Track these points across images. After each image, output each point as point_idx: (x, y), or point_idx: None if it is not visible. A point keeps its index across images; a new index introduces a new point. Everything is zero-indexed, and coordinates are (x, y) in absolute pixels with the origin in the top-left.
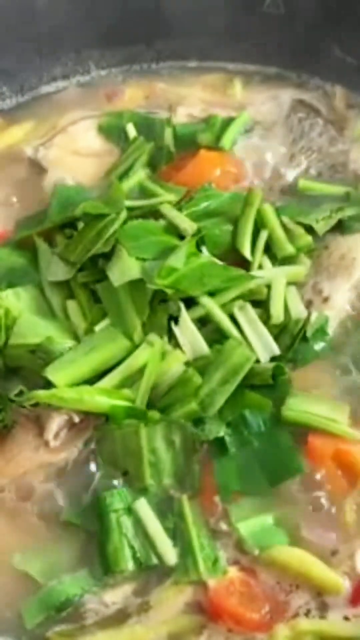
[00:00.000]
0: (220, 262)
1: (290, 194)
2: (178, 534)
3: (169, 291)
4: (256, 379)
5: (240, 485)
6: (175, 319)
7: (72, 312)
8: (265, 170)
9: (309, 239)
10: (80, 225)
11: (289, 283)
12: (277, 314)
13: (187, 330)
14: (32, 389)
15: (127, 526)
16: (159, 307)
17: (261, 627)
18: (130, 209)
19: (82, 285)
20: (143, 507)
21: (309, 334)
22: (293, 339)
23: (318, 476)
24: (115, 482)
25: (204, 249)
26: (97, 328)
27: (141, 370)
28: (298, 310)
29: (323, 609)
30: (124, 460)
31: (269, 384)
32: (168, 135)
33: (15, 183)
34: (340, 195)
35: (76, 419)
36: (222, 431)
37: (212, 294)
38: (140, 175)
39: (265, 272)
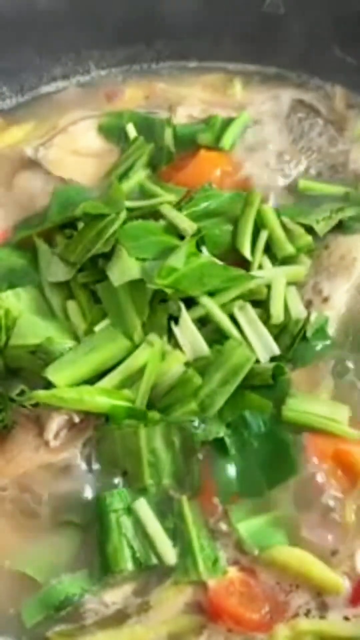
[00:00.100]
0: (220, 262)
1: (290, 194)
2: (178, 534)
3: (169, 291)
4: (256, 379)
5: (240, 485)
6: (175, 319)
7: (72, 312)
8: (265, 170)
9: (309, 239)
10: (80, 225)
11: (289, 283)
12: (277, 314)
13: (187, 330)
14: (32, 389)
15: (126, 526)
16: (159, 307)
17: (261, 627)
18: (130, 209)
19: (82, 285)
20: (143, 507)
21: (309, 334)
22: (293, 339)
23: (318, 476)
24: (115, 482)
25: (204, 249)
26: (97, 328)
27: (141, 371)
28: (298, 310)
29: (323, 609)
30: (124, 461)
31: (269, 384)
32: (168, 136)
33: (15, 183)
34: (340, 195)
35: (76, 419)
36: (222, 432)
37: (212, 294)
38: (140, 175)
39: (265, 272)
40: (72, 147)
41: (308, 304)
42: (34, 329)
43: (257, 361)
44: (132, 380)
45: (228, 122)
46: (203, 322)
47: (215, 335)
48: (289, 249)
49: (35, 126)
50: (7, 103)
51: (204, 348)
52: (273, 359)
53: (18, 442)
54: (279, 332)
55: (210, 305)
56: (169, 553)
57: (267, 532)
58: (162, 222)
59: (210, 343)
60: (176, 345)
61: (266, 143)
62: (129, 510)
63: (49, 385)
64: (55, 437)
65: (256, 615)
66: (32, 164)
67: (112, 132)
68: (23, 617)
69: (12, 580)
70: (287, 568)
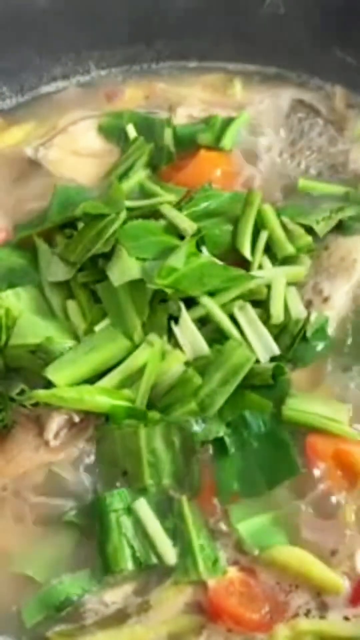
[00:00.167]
0: (220, 262)
1: (290, 194)
2: (178, 534)
3: (169, 291)
4: (256, 379)
5: (240, 485)
6: (175, 319)
7: (72, 312)
8: (265, 170)
9: (309, 239)
10: (80, 225)
11: (289, 283)
12: (277, 314)
13: (187, 330)
14: (32, 388)
15: (126, 526)
16: (159, 307)
17: (261, 627)
18: (130, 209)
19: (82, 285)
20: (143, 507)
21: (309, 334)
22: (293, 339)
23: (318, 476)
24: (116, 482)
25: (204, 249)
26: (97, 328)
27: (141, 370)
28: (298, 310)
29: (323, 609)
30: (124, 460)
31: (269, 384)
32: (168, 136)
33: (15, 183)
34: (340, 195)
35: (76, 419)
36: (221, 431)
37: (212, 294)
38: (140, 175)
39: (265, 272)
40: (72, 147)
41: (308, 304)
42: (34, 329)
43: (257, 361)
44: (132, 380)
45: (228, 122)
46: (203, 322)
47: (215, 335)
48: (289, 249)
49: (35, 126)
50: (7, 103)
51: (204, 348)
52: (273, 359)
53: (18, 441)
54: (279, 332)
55: (210, 305)
56: (169, 553)
57: (267, 532)
58: (162, 222)
59: (210, 343)
60: (176, 345)
61: (266, 143)
62: (129, 510)
63: (49, 384)
64: (55, 437)
65: (256, 615)
66: (32, 164)
67: (112, 132)
68: (23, 617)
69: (12, 580)
70: (287, 568)
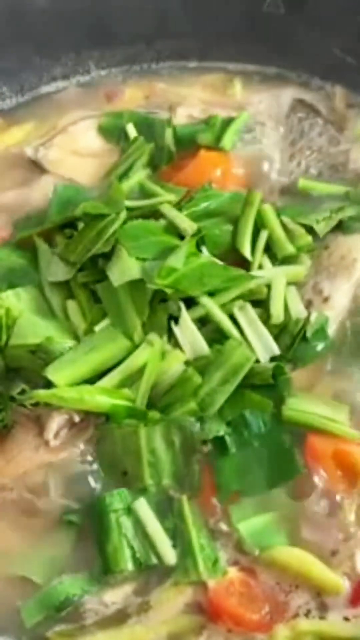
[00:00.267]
0: (220, 262)
1: (290, 194)
2: (178, 534)
3: (169, 291)
4: (256, 379)
5: (240, 485)
6: (175, 318)
7: (72, 312)
8: (265, 170)
9: (309, 238)
10: (80, 225)
11: (289, 283)
12: (277, 314)
13: (187, 330)
14: (32, 388)
15: (126, 526)
16: (159, 307)
17: (261, 627)
18: (130, 209)
19: (82, 285)
20: (143, 507)
21: (309, 334)
22: (293, 339)
23: (318, 476)
24: (115, 482)
25: (204, 249)
26: (97, 328)
27: (141, 370)
28: (298, 310)
29: (323, 609)
30: (124, 460)
31: (269, 384)
32: (168, 136)
33: (15, 183)
34: (340, 195)
35: (76, 419)
36: (222, 430)
37: (212, 294)
38: (140, 175)
39: (265, 272)
40: (72, 147)
41: (308, 304)
42: (34, 329)
43: (257, 361)
44: (132, 379)
45: (228, 122)
46: (203, 322)
47: (215, 335)
48: (289, 248)
49: (35, 126)
50: (7, 103)
51: (204, 347)
52: (273, 358)
53: (18, 441)
54: (279, 332)
55: (210, 305)
56: (169, 553)
57: (267, 532)
58: (162, 222)
59: (210, 343)
60: (176, 344)
61: (266, 143)
62: (129, 510)
63: (49, 384)
64: (56, 437)
65: (256, 616)
66: (32, 164)
67: (112, 132)
68: (23, 617)
69: (12, 580)
70: (287, 568)
